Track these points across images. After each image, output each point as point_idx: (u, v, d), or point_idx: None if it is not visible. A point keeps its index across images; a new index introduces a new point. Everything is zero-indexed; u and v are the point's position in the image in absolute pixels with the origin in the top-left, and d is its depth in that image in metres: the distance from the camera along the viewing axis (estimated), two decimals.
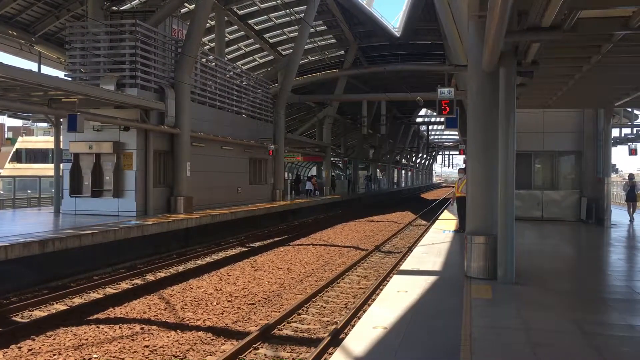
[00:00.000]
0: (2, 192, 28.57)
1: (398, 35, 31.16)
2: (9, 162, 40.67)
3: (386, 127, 41.22)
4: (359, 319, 7.31)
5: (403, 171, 75.73)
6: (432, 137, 78.24)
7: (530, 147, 17.88)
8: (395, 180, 67.86)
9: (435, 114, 46.29)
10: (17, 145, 41.75)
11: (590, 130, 17.72)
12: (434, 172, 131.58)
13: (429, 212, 33.02)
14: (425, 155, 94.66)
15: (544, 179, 18.34)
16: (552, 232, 15.22)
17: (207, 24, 22.20)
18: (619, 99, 14.32)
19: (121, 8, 21.13)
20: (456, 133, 58.77)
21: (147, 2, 20.87)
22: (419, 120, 62.09)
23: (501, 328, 5.77)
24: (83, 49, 17.16)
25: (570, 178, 18.26)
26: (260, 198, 25.79)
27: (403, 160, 73.39)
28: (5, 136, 63.93)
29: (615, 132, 25.64)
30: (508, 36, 6.86)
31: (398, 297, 7.57)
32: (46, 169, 31.91)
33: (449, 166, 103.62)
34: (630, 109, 23.79)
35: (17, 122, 53.40)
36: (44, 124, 38.12)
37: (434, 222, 21.64)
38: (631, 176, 19.12)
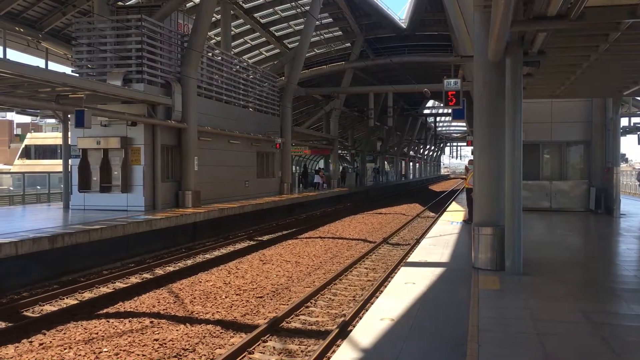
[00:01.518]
0: (12, 188, 28.77)
1: (404, 27, 31.01)
2: (18, 159, 40.95)
3: (393, 119, 41.21)
4: (367, 311, 7.32)
5: (411, 163, 75.55)
6: (439, 128, 77.90)
7: (538, 138, 17.80)
8: (403, 173, 67.72)
9: (442, 105, 46.04)
10: (26, 142, 42.01)
11: (598, 120, 17.60)
12: (442, 163, 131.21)
13: (437, 204, 32.95)
14: (433, 147, 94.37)
15: (552, 170, 18.26)
16: (561, 222, 15.16)
17: (213, 18, 22.18)
18: (627, 88, 14.21)
19: (127, 3, 21.17)
20: (464, 124, 58.49)
21: None
22: (426, 112, 61.84)
23: (509, 319, 5.77)
24: (89, 45, 17.22)
25: (579, 168, 18.16)
26: (268, 191, 25.85)
27: (411, 152, 73.19)
28: (14, 133, 64.39)
29: (624, 121, 25.39)
30: (513, 26, 6.81)
31: (406, 289, 7.58)
32: (55, 164, 32.08)
33: (457, 158, 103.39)
34: (639, 98, 23.55)
35: (26, 119, 53.84)
36: (52, 120, 38.29)
37: (442, 213, 21.59)
38: None
